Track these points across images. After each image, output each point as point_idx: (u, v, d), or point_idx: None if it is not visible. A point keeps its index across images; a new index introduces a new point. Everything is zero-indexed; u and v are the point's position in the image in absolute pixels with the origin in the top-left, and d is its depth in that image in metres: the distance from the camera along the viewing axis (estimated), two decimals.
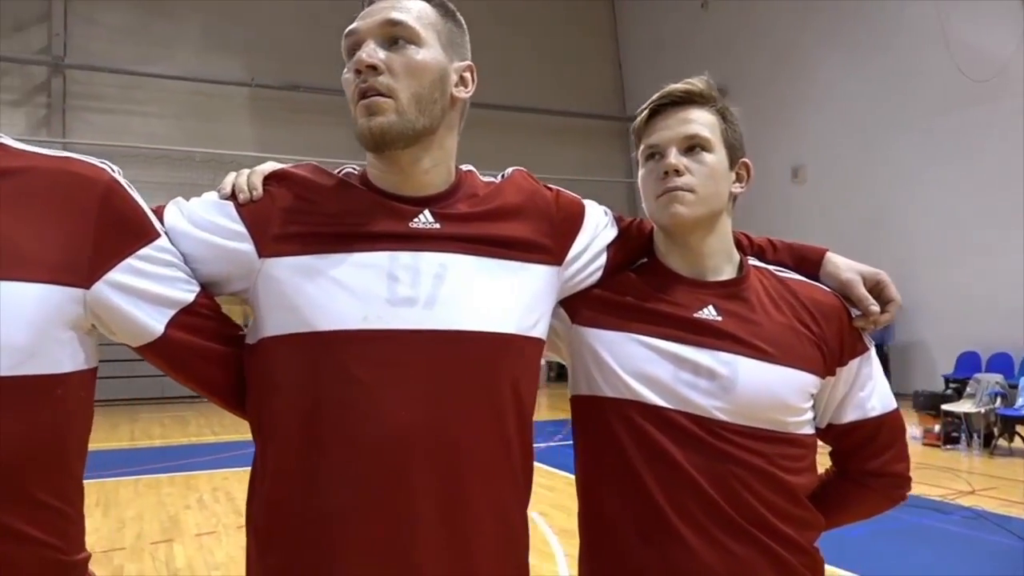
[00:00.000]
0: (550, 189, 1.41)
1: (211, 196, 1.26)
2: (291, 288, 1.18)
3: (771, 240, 1.55)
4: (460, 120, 1.33)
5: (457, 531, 1.18)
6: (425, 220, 1.23)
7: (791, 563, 1.35)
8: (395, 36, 1.20)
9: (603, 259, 1.42)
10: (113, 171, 1.14)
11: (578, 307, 1.43)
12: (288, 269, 1.19)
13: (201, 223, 1.22)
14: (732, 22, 15.40)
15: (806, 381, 1.38)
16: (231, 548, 4.97)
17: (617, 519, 1.38)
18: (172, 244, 1.20)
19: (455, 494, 1.18)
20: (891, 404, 1.48)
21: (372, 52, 1.19)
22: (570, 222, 1.38)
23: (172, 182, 13.24)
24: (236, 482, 6.73)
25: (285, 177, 1.26)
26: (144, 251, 1.13)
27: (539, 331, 1.31)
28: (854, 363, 1.44)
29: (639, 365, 1.37)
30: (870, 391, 1.46)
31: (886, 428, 1.47)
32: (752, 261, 1.49)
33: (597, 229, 1.43)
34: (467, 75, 1.29)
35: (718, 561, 1.32)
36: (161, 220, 1.20)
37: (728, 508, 1.32)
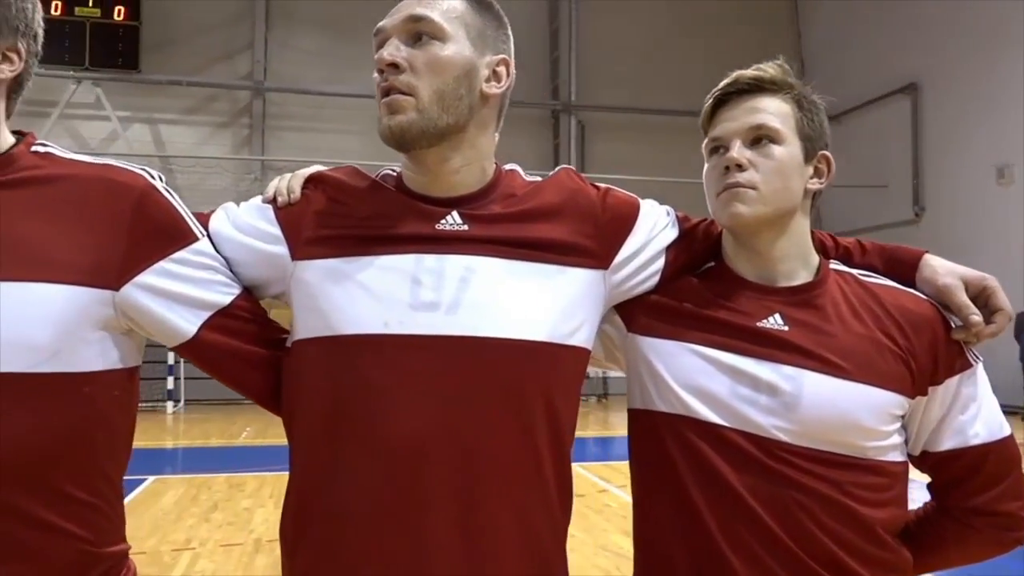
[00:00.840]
0: (597, 188, 1.32)
1: (256, 200, 1.28)
2: (318, 291, 1.18)
3: (861, 241, 1.38)
4: (498, 117, 1.28)
5: (475, 546, 1.13)
6: (453, 221, 1.20)
7: None
8: (419, 32, 1.18)
9: (661, 263, 1.32)
10: (152, 177, 1.18)
11: (634, 314, 1.34)
12: (317, 272, 1.20)
13: (243, 227, 1.25)
14: (922, 11, 14.22)
15: (887, 401, 1.22)
16: None
17: (668, 546, 1.28)
18: (215, 248, 1.22)
19: (473, 507, 1.13)
20: (1001, 431, 1.28)
21: (394, 50, 1.17)
22: (619, 223, 1.29)
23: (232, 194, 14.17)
24: None
25: (321, 180, 1.27)
26: (179, 254, 1.16)
27: (579, 339, 1.23)
28: (952, 382, 1.25)
29: (694, 378, 1.25)
30: (973, 415, 1.26)
31: (993, 459, 1.27)
32: (834, 265, 1.33)
33: (654, 231, 1.32)
34: (500, 69, 1.24)
35: None
36: (206, 225, 1.24)
37: (788, 540, 1.18)
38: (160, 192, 1.18)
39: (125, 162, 1.21)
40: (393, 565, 1.12)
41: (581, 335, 1.24)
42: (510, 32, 1.30)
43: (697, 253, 1.37)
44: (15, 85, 1.17)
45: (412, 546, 1.12)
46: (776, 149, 1.26)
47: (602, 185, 1.35)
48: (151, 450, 9.25)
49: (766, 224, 1.27)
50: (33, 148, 1.16)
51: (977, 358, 1.29)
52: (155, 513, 6.01)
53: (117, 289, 1.11)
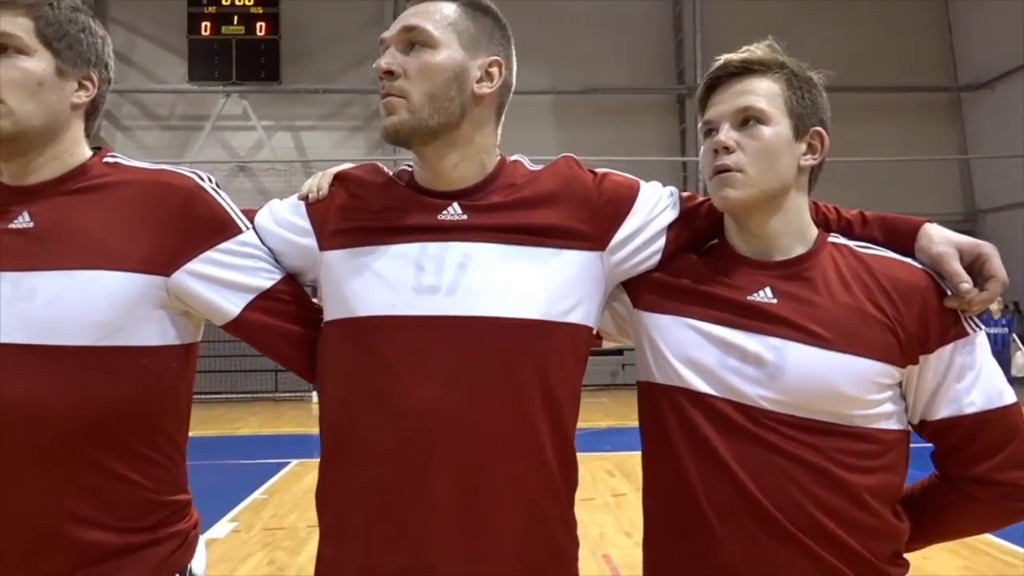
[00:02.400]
0: (595, 174, 1.40)
1: (293, 198, 1.43)
2: (340, 277, 1.32)
3: (864, 213, 1.40)
4: (495, 115, 1.37)
5: (473, 514, 1.23)
6: (453, 212, 1.30)
7: None
8: (412, 40, 1.29)
9: (662, 242, 1.38)
10: (200, 179, 1.35)
11: (639, 291, 1.41)
12: (339, 260, 1.33)
13: (281, 221, 1.40)
14: None
15: (870, 370, 1.24)
16: None
17: (662, 511, 1.35)
18: (260, 239, 1.38)
19: (472, 477, 1.23)
20: (1000, 399, 1.27)
21: (390, 58, 1.28)
22: (615, 206, 1.36)
23: None
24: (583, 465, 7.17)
25: (344, 178, 1.40)
26: (225, 245, 1.33)
27: (577, 317, 1.31)
28: (945, 351, 1.26)
29: (688, 350, 1.32)
30: (969, 383, 1.27)
31: (992, 427, 1.27)
32: (832, 238, 1.36)
33: (652, 212, 1.38)
34: (493, 70, 1.33)
35: (752, 565, 1.23)
36: (253, 220, 1.40)
37: (769, 505, 1.22)
38: (207, 191, 1.35)
39: (179, 167, 1.40)
40: (397, 532, 1.24)
41: (579, 313, 1.32)
42: (508, 33, 1.39)
43: (700, 231, 1.42)
44: (91, 109, 1.37)
45: (414, 514, 1.24)
46: (763, 130, 1.29)
47: (600, 170, 1.41)
48: (295, 436, 9.93)
49: (757, 205, 1.31)
50: (105, 160, 1.36)
51: (976, 327, 1.28)
52: (296, 493, 6.50)
53: (168, 275, 1.29)
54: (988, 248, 1.27)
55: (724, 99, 1.33)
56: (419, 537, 1.24)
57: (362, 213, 1.35)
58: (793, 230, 1.34)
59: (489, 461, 1.24)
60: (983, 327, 1.30)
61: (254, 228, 1.40)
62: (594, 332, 1.39)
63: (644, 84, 15.43)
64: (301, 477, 7.11)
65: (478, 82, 1.31)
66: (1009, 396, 1.29)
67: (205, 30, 14.67)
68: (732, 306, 1.31)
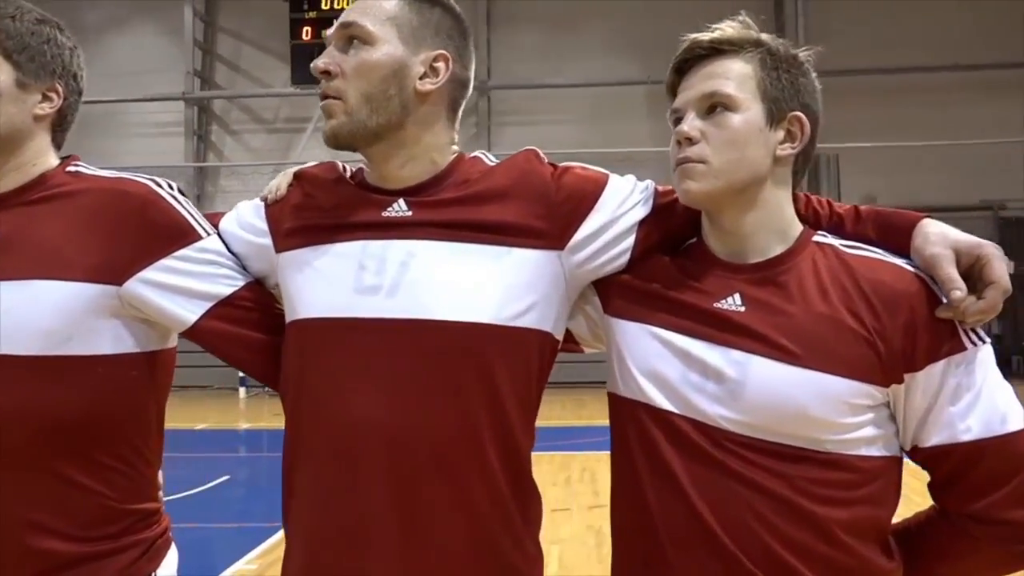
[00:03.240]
0: (555, 167, 1.30)
1: (256, 199, 1.40)
2: (291, 279, 1.29)
3: (858, 208, 1.24)
4: (447, 111, 1.29)
5: (412, 527, 1.17)
6: (398, 208, 1.25)
7: None
8: (350, 37, 1.23)
9: (631, 240, 1.27)
10: (157, 185, 1.34)
11: (609, 294, 1.30)
12: (290, 261, 1.29)
13: (243, 224, 1.37)
14: None
15: (843, 389, 1.10)
16: (576, 526, 5.26)
17: (623, 531, 1.26)
18: (224, 244, 1.36)
19: (411, 489, 1.17)
20: (1004, 425, 1.10)
21: (327, 58, 1.23)
22: (576, 201, 1.26)
23: None
24: (601, 464, 7.06)
25: (300, 176, 1.37)
26: (182, 252, 1.31)
27: (530, 320, 1.22)
28: (936, 368, 1.10)
29: (651, 362, 1.20)
30: (966, 406, 1.10)
31: (992, 457, 1.10)
32: (818, 236, 1.21)
33: (621, 208, 1.27)
34: (439, 64, 1.25)
35: None
36: (216, 225, 1.38)
37: (725, 537, 1.10)
38: (163, 198, 1.33)
39: (136, 173, 1.38)
40: (338, 542, 1.19)
41: (532, 316, 1.23)
42: (463, 25, 1.31)
43: (674, 229, 1.30)
44: (59, 119, 1.38)
45: (351, 523, 1.19)
46: (729, 117, 1.17)
47: (564, 164, 1.32)
48: None
49: (725, 199, 1.18)
50: (68, 169, 1.36)
51: (978, 341, 1.11)
52: None
53: (121, 284, 1.28)
54: (989, 248, 1.11)
55: (690, 84, 1.21)
56: (359, 548, 1.19)
57: (313, 212, 1.31)
58: (770, 227, 1.20)
59: (428, 473, 1.18)
60: (986, 340, 1.13)
61: (219, 234, 1.37)
62: (556, 338, 1.30)
63: None
64: None
65: (421, 78, 1.24)
66: (1016, 421, 1.11)
67: (306, 34, 15.09)
68: (697, 314, 1.19)
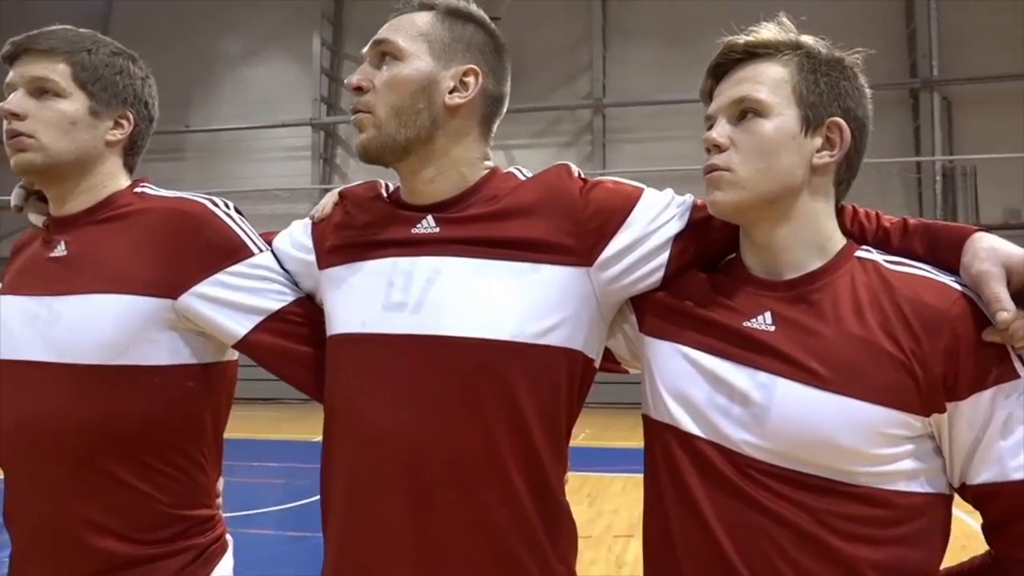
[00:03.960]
0: (585, 182, 1.27)
1: (307, 219, 1.44)
2: (329, 295, 1.32)
3: (907, 221, 1.16)
4: (479, 125, 1.30)
5: (430, 543, 1.17)
6: (426, 225, 1.26)
7: None
8: (383, 53, 1.26)
9: (664, 257, 1.23)
10: (213, 204, 1.40)
11: (644, 312, 1.27)
12: (330, 278, 1.33)
13: (294, 243, 1.42)
14: None
15: (877, 417, 1.02)
16: None
17: (650, 557, 1.21)
18: (277, 261, 1.41)
19: (429, 505, 1.17)
20: None
21: (360, 74, 1.26)
22: (604, 217, 1.23)
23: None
24: None
25: (344, 196, 1.40)
26: (235, 268, 1.36)
27: (557, 338, 1.20)
28: (983, 397, 1.00)
29: (679, 383, 1.16)
30: (1019, 441, 1.00)
31: None
32: (861, 251, 1.13)
33: (653, 223, 1.24)
34: (469, 79, 1.26)
35: None
36: (270, 243, 1.43)
37: (745, 573, 1.04)
38: (218, 216, 1.39)
39: (195, 193, 1.45)
40: (360, 553, 1.21)
41: (559, 334, 1.21)
42: (498, 42, 1.32)
43: (711, 245, 1.25)
44: (130, 144, 1.47)
45: (374, 536, 1.20)
46: (760, 123, 1.11)
47: (597, 179, 1.29)
48: None
49: (755, 211, 1.13)
50: (135, 190, 1.45)
51: None
52: None
53: (176, 298, 1.35)
54: None
55: (724, 89, 1.17)
56: (381, 561, 1.19)
57: (351, 230, 1.33)
58: (806, 242, 1.13)
59: (446, 489, 1.17)
60: None
61: (273, 252, 1.43)
62: (590, 357, 1.27)
63: (873, 80, 14.31)
64: None
65: (450, 92, 1.25)
66: None
67: None
68: (726, 333, 1.14)
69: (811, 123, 1.11)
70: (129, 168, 1.50)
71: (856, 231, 1.18)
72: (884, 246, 1.15)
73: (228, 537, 1.51)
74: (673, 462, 1.14)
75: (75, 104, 1.39)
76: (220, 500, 1.52)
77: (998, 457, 1.01)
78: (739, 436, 1.08)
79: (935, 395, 1.02)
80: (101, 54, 1.43)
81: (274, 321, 1.38)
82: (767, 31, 1.16)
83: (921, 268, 1.09)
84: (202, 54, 15.58)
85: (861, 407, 1.02)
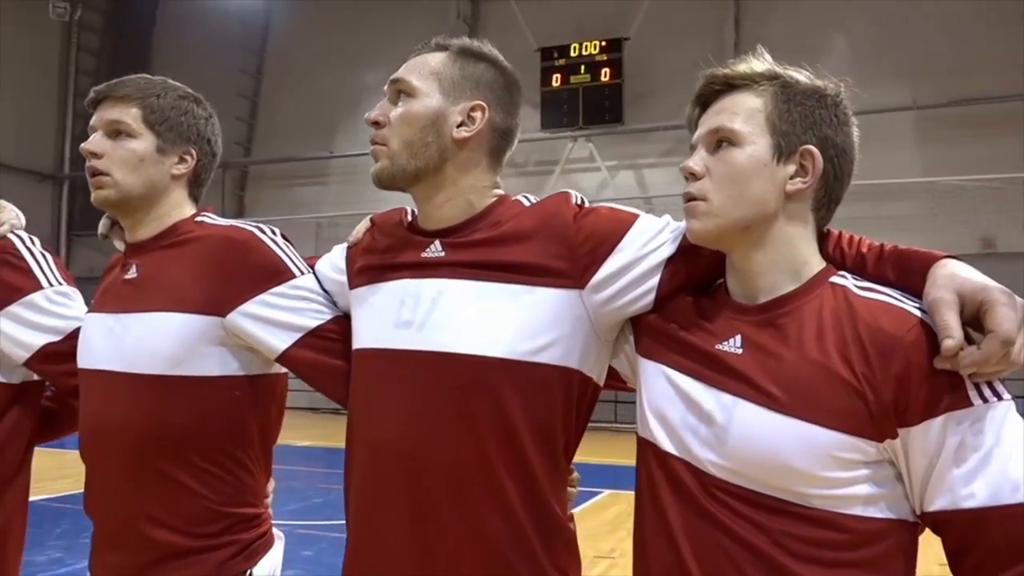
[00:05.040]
0: (581, 208, 1.34)
1: (345, 243, 1.56)
2: (355, 313, 1.44)
3: (884, 247, 1.17)
4: (487, 157, 1.38)
5: (428, 551, 1.25)
6: (434, 249, 1.35)
7: None
8: (399, 91, 1.37)
9: (655, 280, 1.28)
10: (261, 232, 1.56)
11: (639, 333, 1.32)
12: (356, 297, 1.45)
13: (332, 265, 1.55)
14: None
15: (829, 441, 1.03)
16: None
17: (635, 573, 1.24)
18: (319, 283, 1.54)
19: (428, 515, 1.26)
20: (1017, 494, 0.97)
21: (377, 110, 1.38)
22: (596, 242, 1.29)
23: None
24: None
25: (373, 222, 1.52)
26: (278, 289, 1.51)
27: (551, 357, 1.27)
28: (934, 424, 1.00)
29: (659, 402, 1.21)
30: (972, 469, 0.99)
31: (999, 530, 0.98)
32: (836, 277, 1.15)
33: (645, 248, 1.29)
34: (476, 114, 1.35)
35: None
36: (312, 266, 1.58)
37: None
38: (263, 242, 1.55)
39: (246, 221, 1.62)
40: (366, 556, 1.32)
41: (553, 353, 1.27)
42: (509, 78, 1.41)
43: (702, 269, 1.29)
44: (194, 177, 1.66)
45: (378, 544, 1.30)
46: (732, 152, 1.15)
47: (595, 205, 1.36)
48: (606, 466, 10.15)
49: (730, 237, 1.16)
50: (196, 218, 1.63)
51: (991, 396, 1.00)
52: (596, 521, 6.67)
53: (224, 316, 1.51)
54: (994, 293, 0.99)
55: (704, 120, 1.21)
56: (380, 563, 1.29)
57: (375, 254, 1.45)
58: (781, 267, 1.16)
59: (443, 500, 1.25)
60: (1003, 397, 1.00)
61: (315, 273, 1.57)
62: (588, 375, 1.33)
63: (1018, 90, 13.34)
64: (606, 508, 7.27)
65: (458, 126, 1.35)
66: None
67: (556, 81, 15.79)
68: (701, 355, 1.18)
69: (783, 151, 1.14)
70: (194, 198, 1.68)
71: (837, 256, 1.19)
72: (861, 272, 1.16)
73: (278, 533, 1.66)
74: (652, 479, 1.19)
75: (144, 143, 1.58)
76: (269, 500, 1.67)
77: (950, 485, 1.00)
78: (704, 455, 1.12)
79: (886, 421, 1.02)
80: (168, 98, 1.62)
81: (312, 337, 1.51)
82: (745, 63, 1.20)
83: (888, 294, 1.09)
84: (346, 84, 16.46)
85: (814, 431, 1.04)
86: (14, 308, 1.66)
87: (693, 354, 1.19)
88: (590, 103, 15.52)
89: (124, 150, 1.58)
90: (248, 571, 1.55)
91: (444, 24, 16.39)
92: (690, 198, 1.18)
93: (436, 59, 1.39)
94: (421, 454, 1.27)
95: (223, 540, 1.53)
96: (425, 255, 1.36)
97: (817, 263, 1.17)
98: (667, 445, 1.18)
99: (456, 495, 1.25)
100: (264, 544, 1.60)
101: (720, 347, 1.16)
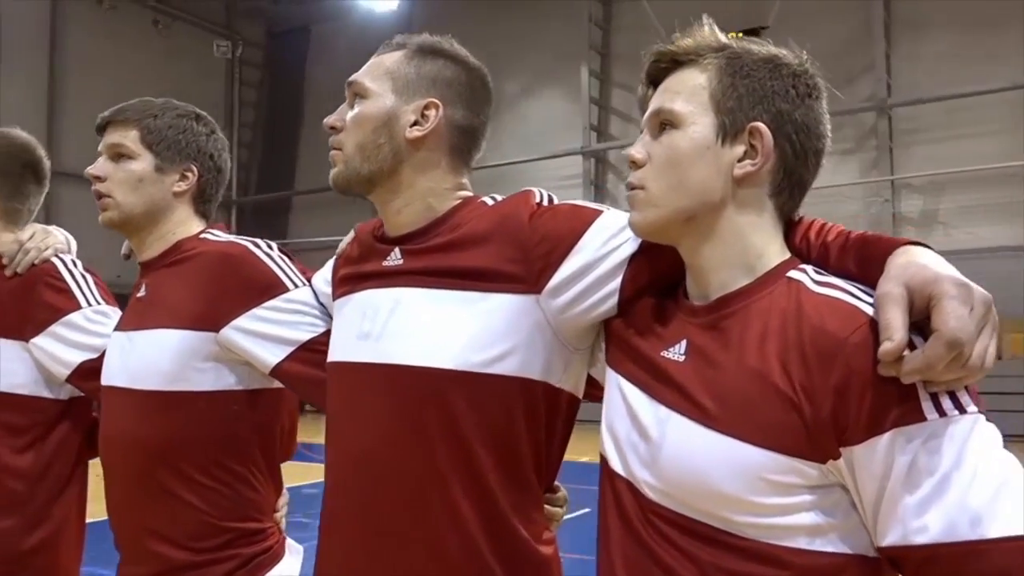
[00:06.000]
0: (539, 207, 1.24)
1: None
2: (333, 325, 1.41)
3: (850, 235, 1.01)
4: (447, 156, 1.32)
5: (385, 567, 1.21)
6: (394, 257, 1.31)
7: None
8: (355, 94, 1.33)
9: (617, 281, 1.16)
10: (255, 246, 1.57)
11: (607, 341, 1.21)
12: (335, 309, 1.43)
13: (324, 279, 1.54)
14: None
15: (759, 462, 0.89)
16: None
17: None
18: (314, 295, 1.54)
19: (384, 529, 1.22)
20: (976, 529, 0.80)
21: (334, 115, 1.34)
22: (552, 243, 1.19)
23: (1008, 201, 12.43)
24: None
25: (355, 232, 1.47)
26: (271, 303, 1.51)
27: (508, 367, 1.19)
28: (880, 442, 0.84)
29: (611, 415, 1.11)
30: (925, 497, 0.82)
31: (953, 569, 0.81)
32: (795, 271, 0.99)
33: (606, 247, 1.17)
34: (429, 112, 1.29)
35: None
36: (309, 280, 1.57)
37: None
38: (258, 257, 1.56)
39: (241, 236, 1.63)
40: (327, 569, 1.30)
41: (509, 363, 1.19)
42: (469, 73, 1.34)
43: (667, 267, 1.15)
44: (199, 192, 1.69)
45: (338, 555, 1.28)
46: (673, 136, 1.03)
47: (556, 204, 1.26)
48: None
49: (674, 229, 1.04)
50: (201, 235, 1.66)
51: (952, 409, 0.83)
52: None
53: (217, 331, 1.52)
54: (943, 285, 0.82)
55: (652, 102, 1.09)
56: (340, 567, 1.27)
57: (351, 264, 1.42)
58: (732, 261, 1.02)
59: (400, 517, 1.21)
60: (967, 410, 0.83)
61: (311, 286, 1.56)
62: (556, 386, 1.23)
63: None
64: None
65: (411, 126, 1.29)
66: (997, 526, 0.80)
67: None
68: (647, 364, 1.06)
69: (727, 131, 1.01)
70: (202, 215, 1.71)
71: (803, 248, 1.04)
72: (824, 264, 1.00)
73: (296, 547, 1.66)
74: (603, 499, 1.09)
75: (143, 164, 1.63)
76: (280, 515, 1.67)
77: (902, 515, 0.84)
78: (641, 475, 1.01)
79: (824, 438, 0.87)
80: (166, 118, 1.66)
81: (304, 351, 1.50)
82: (689, 37, 1.07)
83: (845, 290, 0.93)
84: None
85: (745, 450, 0.90)
86: (55, 328, 1.77)
87: (642, 363, 1.08)
88: None
89: (124, 172, 1.63)
90: None
91: (577, 28, 16.39)
92: (631, 187, 1.07)
93: (391, 59, 1.34)
94: (377, 469, 1.23)
95: (225, 554, 1.54)
96: (386, 264, 1.32)
97: (776, 256, 1.02)
98: (615, 462, 1.07)
99: (411, 512, 1.20)
100: (270, 558, 1.59)
101: (665, 354, 1.04)
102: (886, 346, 0.82)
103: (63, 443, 1.81)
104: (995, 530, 0.80)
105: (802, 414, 0.88)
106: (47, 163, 1.98)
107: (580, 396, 1.30)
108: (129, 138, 1.64)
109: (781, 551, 0.89)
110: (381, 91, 1.31)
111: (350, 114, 1.33)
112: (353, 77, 1.35)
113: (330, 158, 1.34)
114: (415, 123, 1.29)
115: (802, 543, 0.89)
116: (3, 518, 1.77)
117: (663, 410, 1.00)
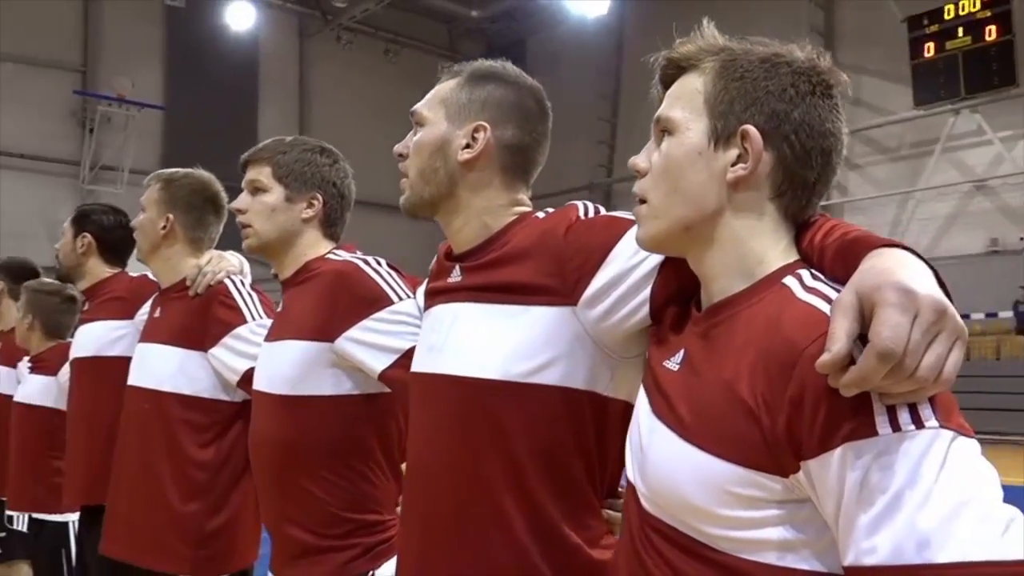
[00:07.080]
0: (577, 220, 1.27)
1: None
2: None
3: (847, 235, 0.95)
4: (499, 175, 1.37)
5: (435, 568, 1.29)
6: (455, 274, 1.39)
7: None
8: (416, 123, 1.44)
9: (648, 290, 1.17)
10: (365, 264, 1.73)
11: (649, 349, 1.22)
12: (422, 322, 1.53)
13: (422, 292, 1.62)
14: None
15: (723, 474, 0.88)
16: None
17: None
18: (416, 306, 1.66)
19: (436, 538, 1.29)
20: (922, 553, 0.74)
21: (401, 144, 1.45)
22: (585, 255, 1.22)
23: None
24: None
25: (439, 248, 1.55)
26: (379, 315, 1.66)
27: (551, 377, 1.22)
28: (832, 457, 0.80)
29: (632, 425, 1.12)
30: (877, 516, 0.78)
31: None
32: (789, 277, 0.95)
33: (635, 257, 1.18)
34: (479, 135, 1.35)
35: None
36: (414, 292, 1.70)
37: None
38: (367, 274, 1.72)
39: (355, 255, 1.80)
40: (400, 570, 1.41)
41: (552, 373, 1.23)
42: (520, 94, 1.39)
43: (692, 276, 1.12)
44: (325, 217, 1.88)
45: (405, 559, 1.38)
46: (668, 143, 1.02)
47: (597, 216, 1.28)
48: None
49: (676, 240, 1.03)
50: (327, 255, 1.85)
51: (908, 423, 0.78)
52: None
53: (332, 341, 1.69)
54: (884, 292, 0.77)
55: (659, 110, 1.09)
56: (404, 564, 1.38)
57: (431, 280, 1.51)
58: (732, 268, 1.00)
59: (450, 524, 1.28)
60: (926, 424, 0.77)
61: (414, 298, 1.69)
62: (603, 395, 1.25)
63: None
64: None
65: (463, 149, 1.36)
66: (947, 550, 0.73)
67: (928, 51, 14.10)
68: (652, 372, 1.08)
69: (719, 135, 0.98)
70: (331, 236, 1.90)
71: (809, 251, 0.99)
72: (821, 267, 0.96)
73: None
74: (625, 506, 1.12)
75: (275, 196, 1.85)
76: (400, 508, 1.76)
77: (855, 535, 0.79)
78: (638, 483, 1.03)
79: (781, 452, 0.83)
80: (293, 153, 1.88)
81: (406, 358, 1.59)
82: (689, 42, 1.05)
83: (826, 297, 0.88)
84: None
85: (708, 461, 0.89)
86: (227, 340, 2.09)
87: (650, 371, 1.09)
88: (973, 68, 13.60)
89: (260, 203, 1.87)
90: (371, 572, 1.71)
91: (799, 13, 15.56)
92: (638, 200, 1.07)
93: (446, 87, 1.42)
94: (432, 476, 1.31)
95: (347, 542, 1.71)
96: (450, 280, 1.40)
97: (778, 261, 0.98)
98: (630, 470, 1.09)
99: (461, 519, 1.27)
100: (389, 548, 1.72)
101: (666, 363, 1.04)
102: (823, 357, 0.78)
103: (238, 440, 2.12)
104: (944, 555, 0.73)
105: (761, 427, 0.85)
106: (224, 196, 2.32)
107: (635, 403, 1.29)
108: (263, 174, 1.88)
109: (751, 566, 0.87)
110: (436, 118, 1.40)
111: (412, 142, 1.43)
112: (414, 107, 1.46)
113: (400, 185, 1.45)
114: (466, 146, 1.37)
115: (771, 558, 0.86)
116: (190, 502, 2.09)
117: (654, 420, 1.01)
